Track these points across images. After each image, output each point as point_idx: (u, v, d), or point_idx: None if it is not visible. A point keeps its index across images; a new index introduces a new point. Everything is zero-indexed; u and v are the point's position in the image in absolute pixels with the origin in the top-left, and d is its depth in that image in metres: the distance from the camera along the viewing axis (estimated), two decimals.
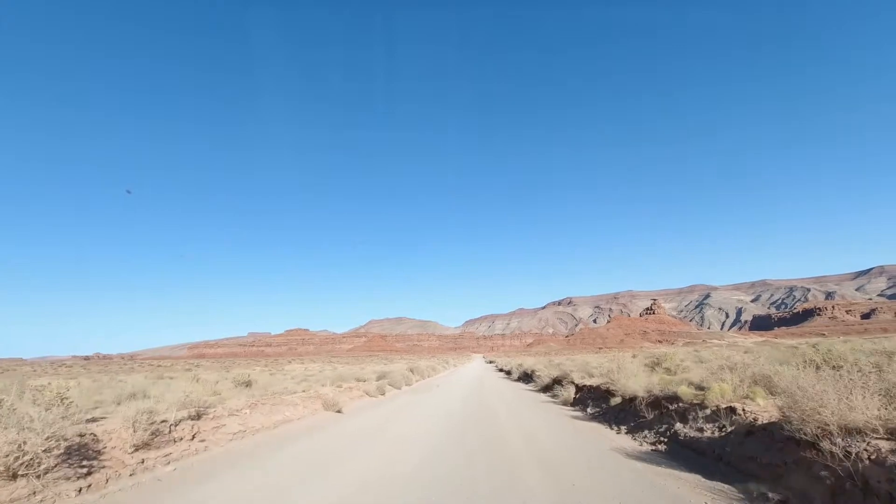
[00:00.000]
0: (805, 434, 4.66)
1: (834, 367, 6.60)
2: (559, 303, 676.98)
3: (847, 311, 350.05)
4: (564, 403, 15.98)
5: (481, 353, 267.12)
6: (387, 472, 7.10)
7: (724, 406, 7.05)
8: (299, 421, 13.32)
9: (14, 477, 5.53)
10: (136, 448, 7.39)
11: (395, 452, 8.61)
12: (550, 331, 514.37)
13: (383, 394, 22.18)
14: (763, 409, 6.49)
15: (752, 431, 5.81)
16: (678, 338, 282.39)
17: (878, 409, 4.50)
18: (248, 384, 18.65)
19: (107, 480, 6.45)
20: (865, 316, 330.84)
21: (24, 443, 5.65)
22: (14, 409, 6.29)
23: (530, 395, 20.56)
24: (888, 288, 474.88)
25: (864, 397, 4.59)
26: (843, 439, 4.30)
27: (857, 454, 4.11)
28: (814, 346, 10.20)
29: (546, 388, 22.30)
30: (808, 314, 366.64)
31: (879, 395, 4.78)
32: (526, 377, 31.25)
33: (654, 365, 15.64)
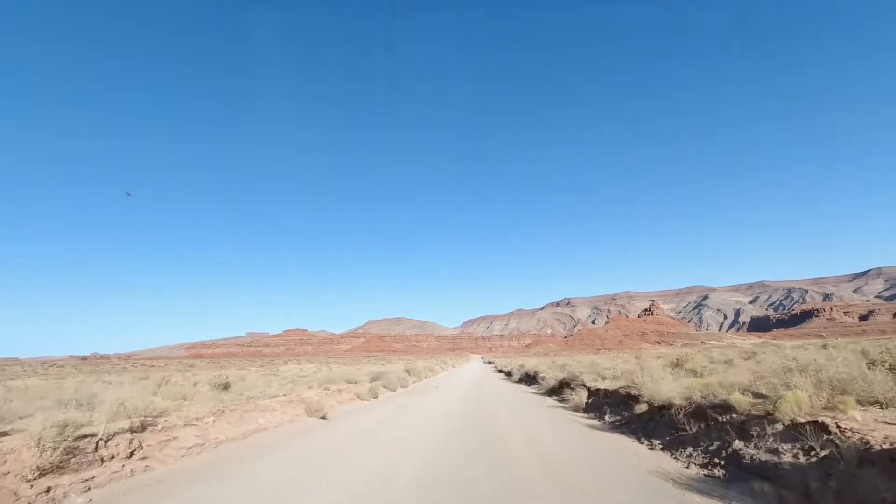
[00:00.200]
0: None
1: None
2: (557, 304, 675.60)
3: (845, 313, 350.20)
4: (576, 409, 14.32)
5: (479, 354, 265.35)
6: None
7: (802, 420, 5.41)
8: (275, 429, 11.62)
9: None
10: (42, 473, 5.70)
11: (383, 471, 6.95)
12: (549, 332, 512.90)
13: (376, 397, 20.49)
14: (865, 426, 4.86)
15: (869, 459, 4.18)
16: (677, 339, 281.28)
17: None
18: (225, 386, 16.97)
19: None
20: (863, 317, 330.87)
21: None
22: None
23: (535, 400, 18.88)
24: (885, 290, 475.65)
25: None
26: None
27: None
28: (887, 348, 8.58)
29: (552, 392, 20.64)
30: (807, 315, 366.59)
31: None
32: (528, 379, 29.60)
33: (674, 366, 14.02)
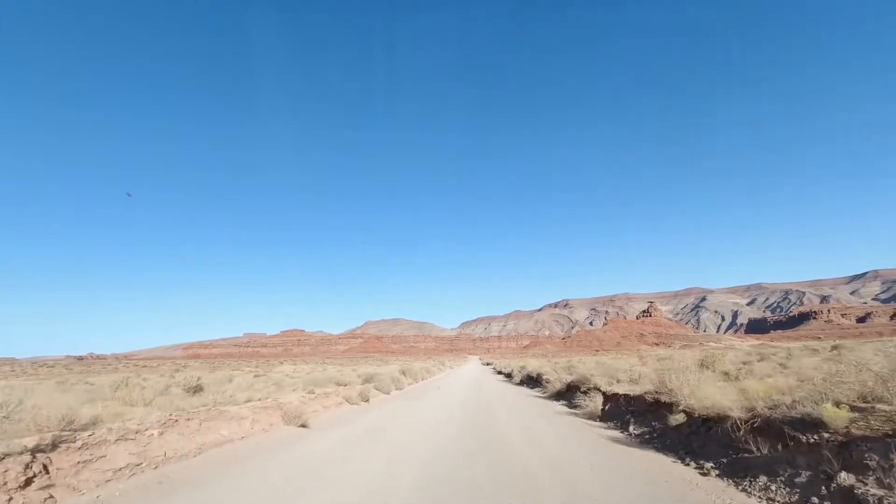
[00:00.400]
0: None
1: None
2: (555, 305, 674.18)
3: (843, 315, 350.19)
4: (590, 417, 12.61)
5: (477, 355, 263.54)
6: None
7: None
8: (242, 441, 9.87)
9: None
10: None
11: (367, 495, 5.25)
12: (547, 333, 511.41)
13: (367, 401, 18.74)
14: None
15: None
16: (675, 340, 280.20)
17: None
18: (197, 389, 15.21)
19: None
20: (861, 319, 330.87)
21: None
22: None
23: (541, 406, 17.16)
24: (882, 292, 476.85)
25: None
26: None
27: None
28: None
29: (558, 396, 18.94)
30: (804, 317, 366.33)
31: None
32: (531, 381, 27.90)
33: (701, 367, 12.35)
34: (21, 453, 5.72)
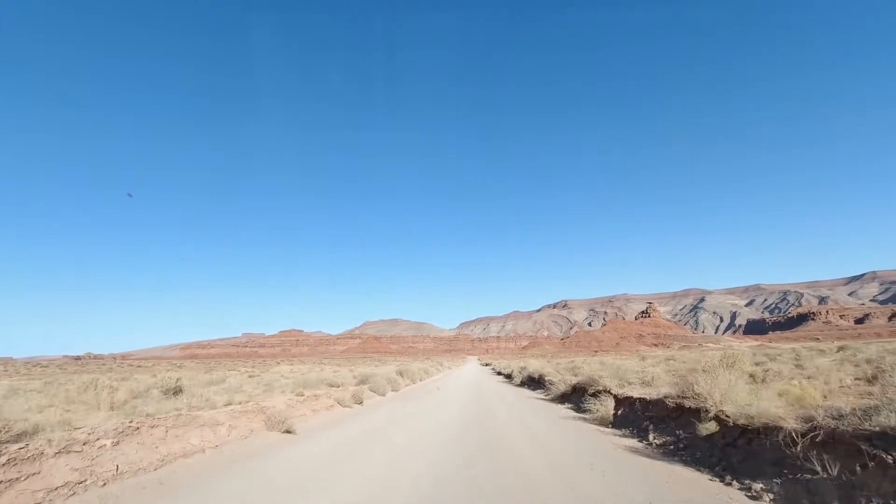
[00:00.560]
0: None
1: None
2: (554, 306, 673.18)
3: (841, 316, 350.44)
4: (601, 423, 11.57)
5: (476, 356, 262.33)
6: None
7: None
8: (214, 451, 8.78)
9: None
10: None
11: None
12: (545, 333, 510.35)
13: (360, 403, 17.68)
14: None
15: None
16: (673, 341, 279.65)
17: None
18: (176, 392, 14.13)
19: None
20: (859, 321, 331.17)
21: None
22: None
23: (546, 409, 16.10)
24: (880, 293, 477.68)
25: None
26: None
27: None
28: None
29: (563, 398, 17.89)
30: (803, 318, 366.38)
31: None
32: (532, 382, 26.85)
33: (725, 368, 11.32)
34: None
